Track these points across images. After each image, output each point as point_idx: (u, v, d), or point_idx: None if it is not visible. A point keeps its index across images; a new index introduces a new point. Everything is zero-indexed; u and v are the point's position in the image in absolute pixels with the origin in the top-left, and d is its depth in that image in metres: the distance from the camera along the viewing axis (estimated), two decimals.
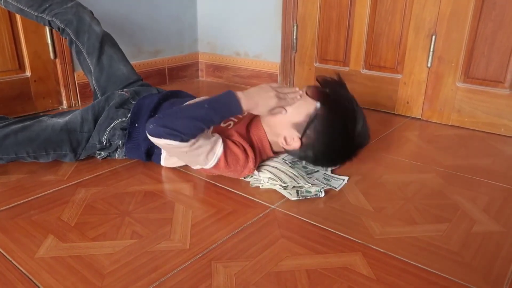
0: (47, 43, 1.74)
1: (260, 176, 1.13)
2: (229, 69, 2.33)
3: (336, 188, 1.12)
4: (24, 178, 1.16)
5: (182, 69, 2.36)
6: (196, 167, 1.13)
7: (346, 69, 1.90)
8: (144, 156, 1.23)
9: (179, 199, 1.07)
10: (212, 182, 1.16)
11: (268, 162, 1.17)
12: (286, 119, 1.08)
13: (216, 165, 1.06)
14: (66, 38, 1.45)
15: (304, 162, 1.22)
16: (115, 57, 1.44)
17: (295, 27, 2.01)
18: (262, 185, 1.12)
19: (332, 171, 1.22)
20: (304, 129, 1.05)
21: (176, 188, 1.12)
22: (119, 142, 1.22)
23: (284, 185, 1.09)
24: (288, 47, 2.06)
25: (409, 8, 1.67)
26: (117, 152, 1.26)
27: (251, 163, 1.08)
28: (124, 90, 1.35)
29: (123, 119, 1.23)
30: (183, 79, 2.37)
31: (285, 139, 1.08)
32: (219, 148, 1.05)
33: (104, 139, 1.21)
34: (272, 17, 2.08)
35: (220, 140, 1.06)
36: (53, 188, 1.11)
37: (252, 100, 1.04)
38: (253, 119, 1.18)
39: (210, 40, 2.39)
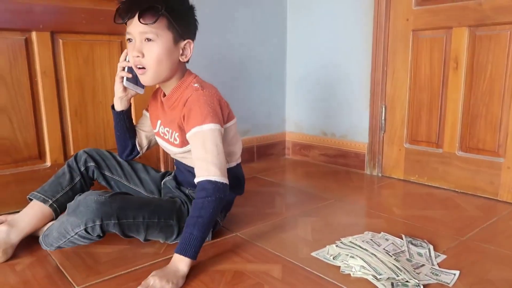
0: None
1: (351, 263, 1.09)
2: (315, 148, 2.37)
3: (448, 284, 1.03)
4: (125, 249, 1.25)
5: (269, 147, 2.45)
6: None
7: (440, 150, 1.83)
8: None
9: (268, 281, 1.06)
10: (301, 265, 1.13)
11: (365, 247, 1.12)
12: (157, 54, 1.12)
13: (212, 119, 1.13)
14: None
15: (408, 254, 1.16)
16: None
17: (383, 108, 2.01)
18: (353, 273, 1.07)
19: (439, 265, 1.13)
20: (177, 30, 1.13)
21: (265, 270, 1.12)
22: None
23: (378, 276, 1.03)
24: (376, 128, 2.05)
25: (509, 90, 1.60)
26: None
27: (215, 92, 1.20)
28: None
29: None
30: (270, 157, 2.45)
31: (181, 54, 1.17)
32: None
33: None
34: (360, 99, 2.12)
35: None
36: (150, 261, 1.17)
37: None
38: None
39: (296, 120, 2.48)
